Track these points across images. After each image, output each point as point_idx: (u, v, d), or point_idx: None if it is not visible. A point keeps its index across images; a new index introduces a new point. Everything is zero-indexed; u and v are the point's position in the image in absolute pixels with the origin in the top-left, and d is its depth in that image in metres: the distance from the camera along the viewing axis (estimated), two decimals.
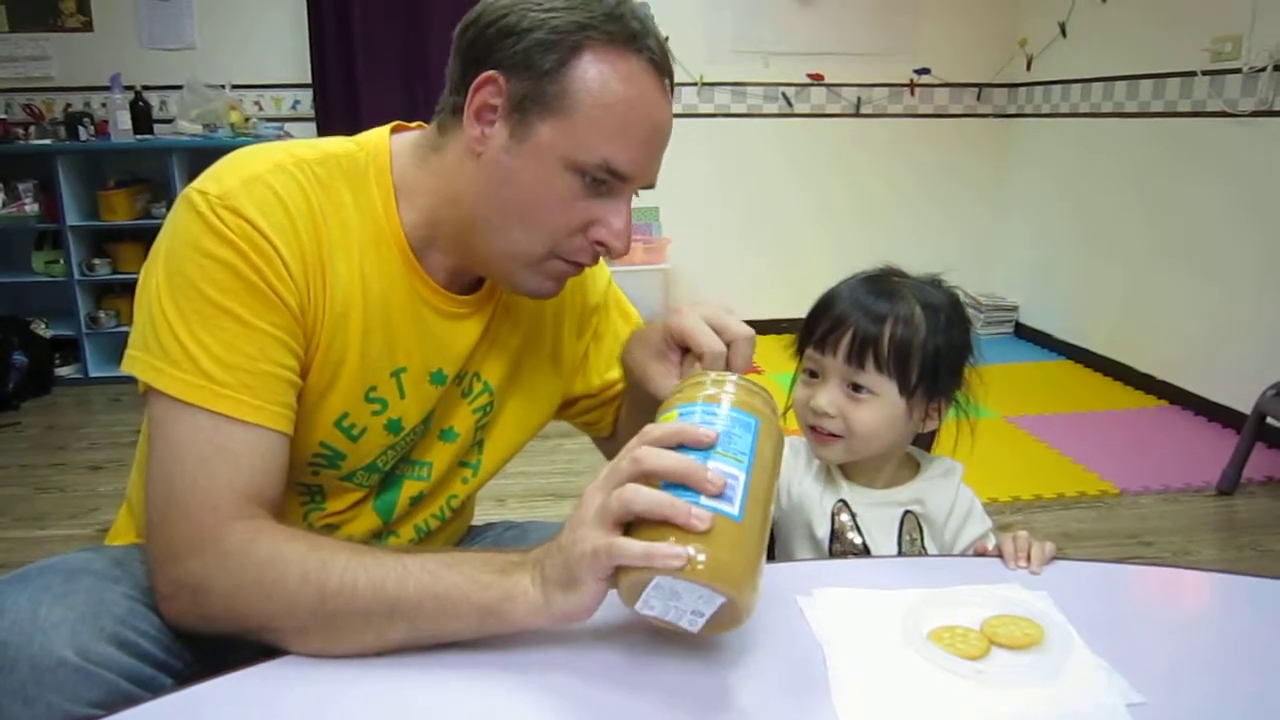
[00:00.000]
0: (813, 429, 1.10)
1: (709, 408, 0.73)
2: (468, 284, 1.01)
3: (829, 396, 1.08)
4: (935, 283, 1.14)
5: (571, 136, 0.87)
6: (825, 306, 1.11)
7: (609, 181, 0.89)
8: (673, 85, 0.93)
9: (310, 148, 0.94)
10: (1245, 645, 0.83)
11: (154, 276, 0.85)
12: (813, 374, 1.11)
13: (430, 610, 0.75)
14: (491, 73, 0.87)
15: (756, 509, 0.69)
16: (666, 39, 4.80)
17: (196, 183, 0.87)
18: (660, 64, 0.91)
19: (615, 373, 1.16)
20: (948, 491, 1.13)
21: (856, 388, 1.08)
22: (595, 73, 0.87)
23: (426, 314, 0.97)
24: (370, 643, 0.76)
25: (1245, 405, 3.02)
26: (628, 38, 0.88)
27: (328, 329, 0.91)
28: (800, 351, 1.13)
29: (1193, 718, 0.73)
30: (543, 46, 0.86)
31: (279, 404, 0.86)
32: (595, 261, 0.96)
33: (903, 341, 1.07)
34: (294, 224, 0.87)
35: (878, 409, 1.08)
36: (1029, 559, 0.96)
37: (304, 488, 0.99)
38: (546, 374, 1.13)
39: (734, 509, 0.68)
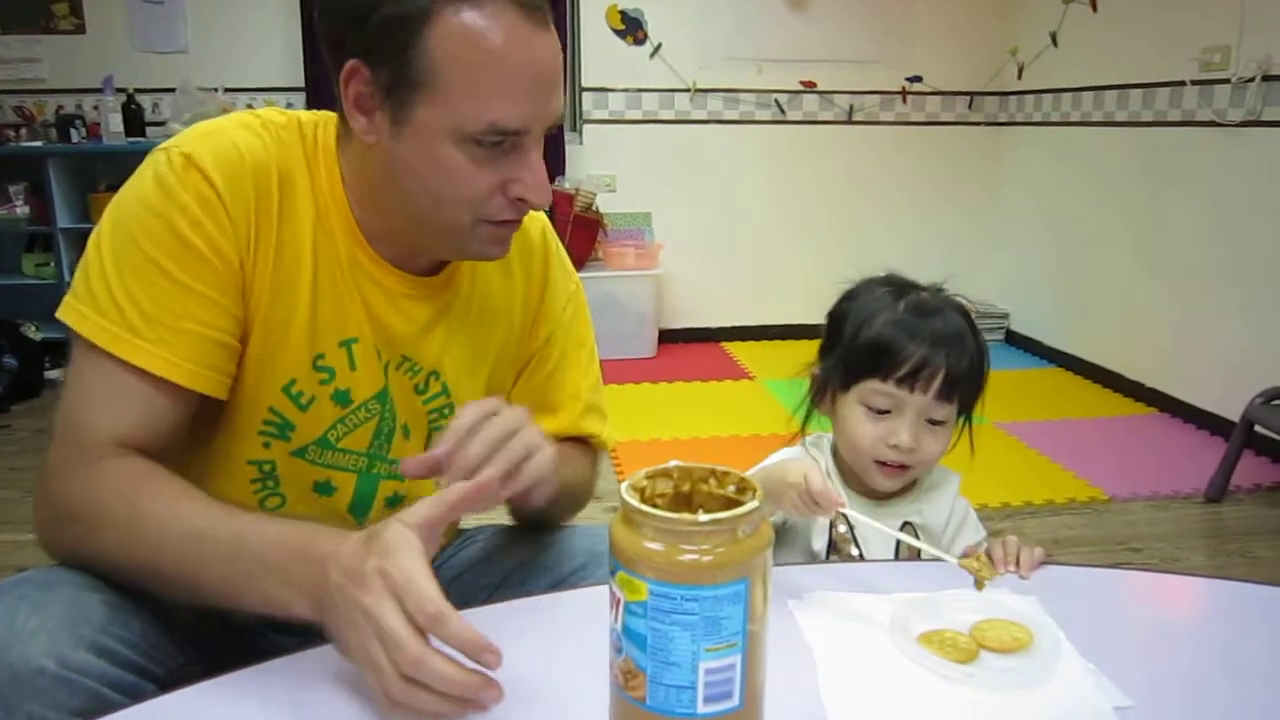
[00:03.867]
0: (881, 463, 1.09)
1: (687, 592, 0.60)
2: (422, 266, 0.99)
3: (913, 433, 1.07)
4: (944, 294, 1.15)
5: (449, 110, 0.83)
6: (888, 342, 1.07)
7: (505, 140, 0.85)
8: (545, 5, 0.86)
9: (279, 113, 0.96)
10: (1232, 650, 0.84)
11: (103, 225, 0.89)
12: (880, 410, 1.08)
13: (223, 599, 0.79)
14: (353, 62, 0.84)
15: (755, 676, 0.64)
16: (660, 46, 4.72)
17: (164, 141, 0.91)
18: None
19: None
20: (945, 502, 1.14)
21: (934, 420, 1.08)
22: (453, 36, 0.81)
23: (369, 288, 0.97)
24: (172, 597, 0.82)
25: (1233, 413, 3.04)
26: None
27: (272, 285, 0.92)
28: (852, 382, 1.10)
29: None
30: (392, 24, 0.81)
31: (198, 363, 0.87)
32: (523, 214, 0.92)
33: (971, 367, 1.08)
34: (246, 175, 0.89)
35: (946, 436, 1.10)
36: (1018, 564, 0.96)
37: (256, 469, 0.98)
38: (506, 378, 1.11)
39: (733, 701, 0.63)
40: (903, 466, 1.09)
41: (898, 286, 1.14)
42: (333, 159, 0.95)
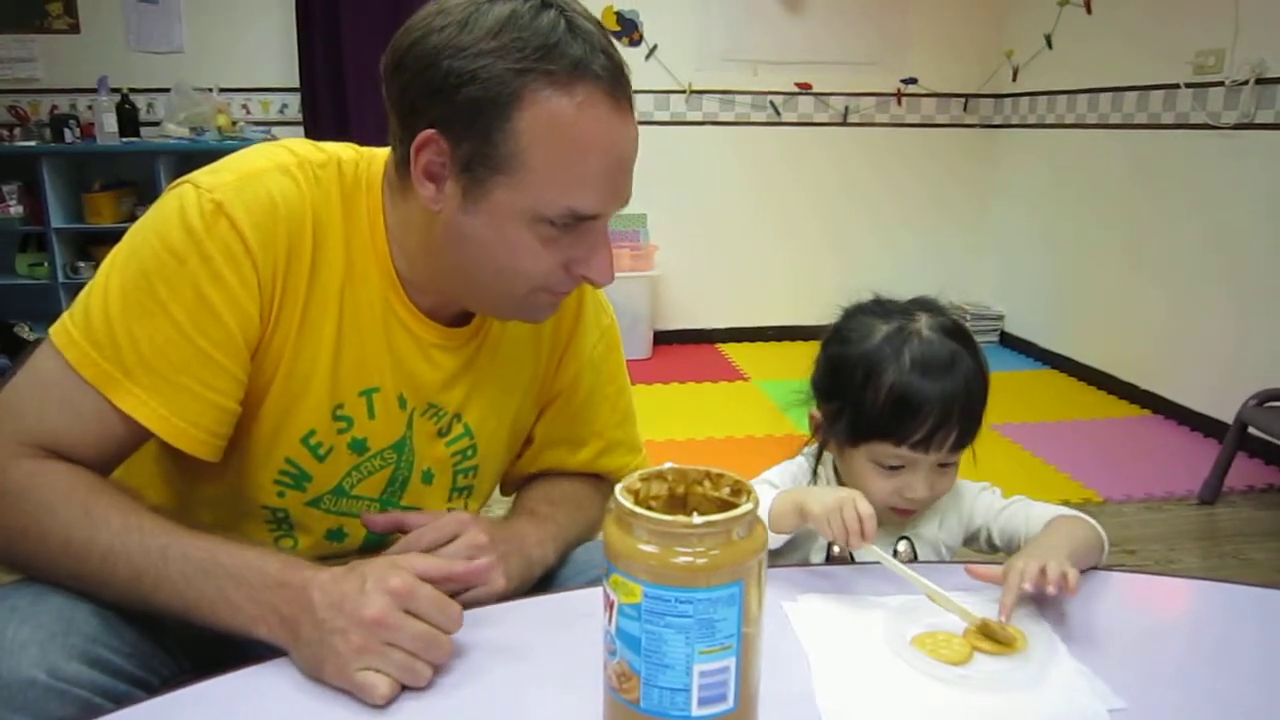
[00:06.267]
0: (894, 508, 1.08)
1: (681, 594, 0.60)
2: (454, 315, 0.98)
3: (926, 482, 1.07)
4: (940, 310, 1.12)
5: (529, 193, 0.82)
6: (899, 408, 1.04)
7: (578, 224, 0.85)
8: (629, 93, 0.85)
9: (318, 150, 0.92)
10: (1225, 652, 0.84)
11: (118, 252, 0.85)
12: (892, 467, 1.07)
13: (176, 611, 0.78)
14: (430, 132, 0.82)
15: (750, 678, 0.64)
16: (655, 48, 4.69)
17: (197, 173, 0.87)
18: (612, 79, 0.82)
19: (557, 456, 1.11)
20: (951, 522, 1.14)
21: (944, 465, 1.08)
22: (542, 124, 0.80)
23: (399, 335, 0.95)
24: (124, 606, 0.79)
25: (1226, 414, 3.04)
26: (570, 68, 0.79)
27: (296, 338, 0.89)
28: (860, 441, 1.08)
29: None
30: (478, 104, 0.79)
31: (188, 420, 0.84)
32: (577, 285, 0.92)
33: (980, 409, 1.07)
34: (280, 227, 0.86)
35: (956, 470, 1.10)
36: (1065, 581, 0.85)
37: (270, 513, 0.97)
38: (529, 415, 1.10)
39: (728, 704, 0.63)
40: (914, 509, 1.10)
41: (896, 324, 1.09)
42: (376, 200, 0.92)
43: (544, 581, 0.99)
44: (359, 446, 0.96)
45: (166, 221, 0.84)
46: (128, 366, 0.82)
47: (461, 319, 0.99)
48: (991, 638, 0.81)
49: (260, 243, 0.84)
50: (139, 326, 0.82)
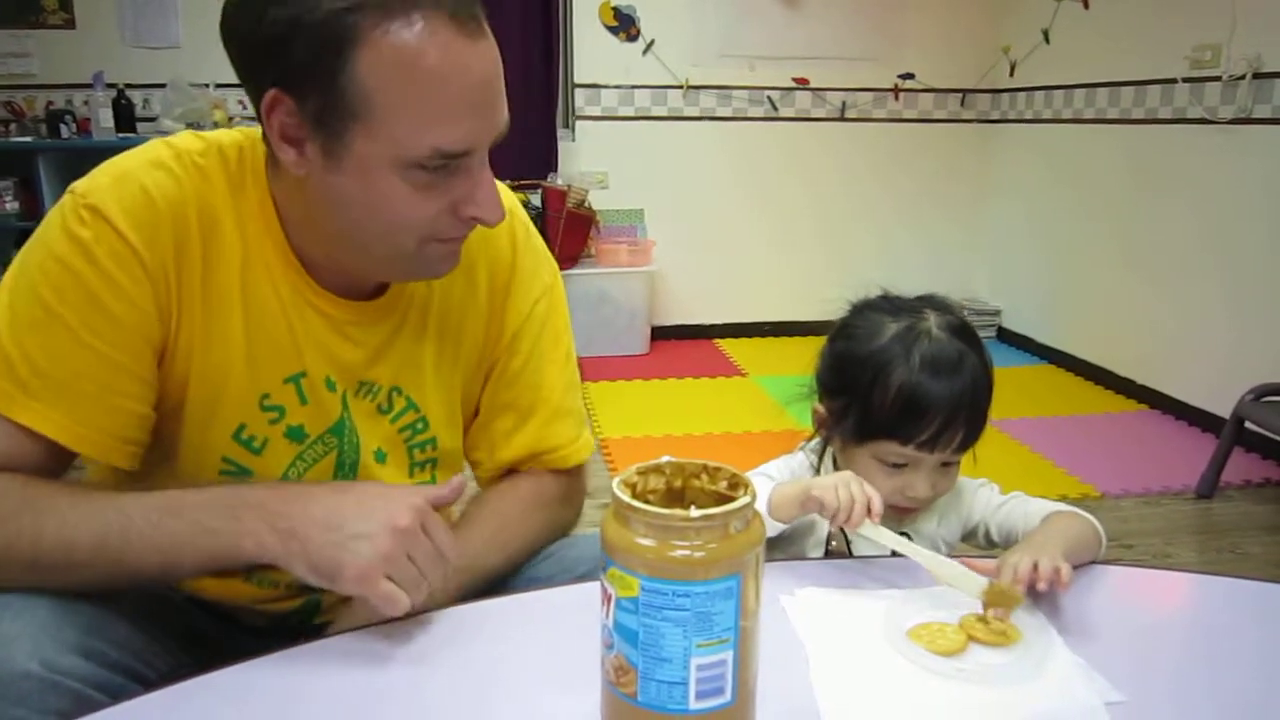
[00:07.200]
0: (895, 506, 1.08)
1: (679, 588, 0.60)
2: (366, 290, 0.94)
3: (929, 483, 1.07)
4: (948, 308, 1.12)
5: (387, 139, 0.77)
6: (906, 409, 1.04)
7: (450, 162, 0.80)
8: (476, 12, 0.79)
9: (197, 138, 0.88)
10: (1222, 645, 0.84)
11: (8, 274, 0.83)
12: (896, 464, 1.07)
13: (152, 566, 0.78)
14: (274, 92, 0.77)
15: (747, 672, 0.64)
16: (652, 43, 4.69)
17: (78, 180, 0.84)
18: (454, 1, 0.77)
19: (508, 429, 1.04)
20: (950, 521, 1.14)
21: (946, 464, 1.08)
22: (385, 61, 0.74)
23: (312, 319, 0.91)
24: (96, 588, 0.79)
25: (1223, 409, 3.05)
26: None
27: (203, 334, 0.86)
28: (866, 439, 1.08)
29: (1170, 716, 0.74)
30: (312, 50, 0.74)
31: (95, 428, 0.82)
32: (471, 229, 0.87)
33: (985, 409, 1.07)
34: (162, 223, 0.83)
35: (958, 470, 1.10)
36: (1057, 575, 0.86)
37: None
38: (475, 385, 1.05)
39: (725, 698, 0.63)
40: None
41: (905, 322, 1.08)
42: (263, 180, 0.88)
43: (530, 579, 0.98)
44: (297, 434, 0.93)
45: (49, 232, 0.82)
46: (23, 381, 0.79)
47: (375, 292, 0.95)
48: (999, 601, 0.83)
49: (143, 241, 0.82)
50: (31, 339, 0.80)
